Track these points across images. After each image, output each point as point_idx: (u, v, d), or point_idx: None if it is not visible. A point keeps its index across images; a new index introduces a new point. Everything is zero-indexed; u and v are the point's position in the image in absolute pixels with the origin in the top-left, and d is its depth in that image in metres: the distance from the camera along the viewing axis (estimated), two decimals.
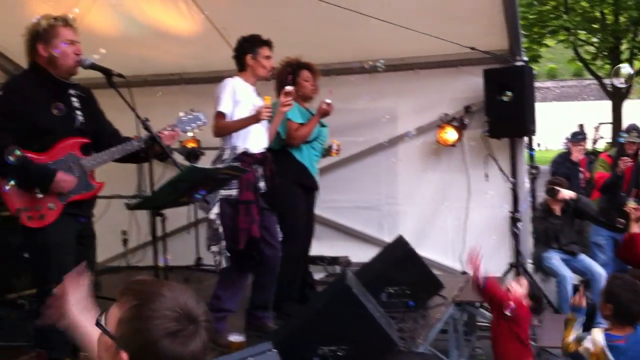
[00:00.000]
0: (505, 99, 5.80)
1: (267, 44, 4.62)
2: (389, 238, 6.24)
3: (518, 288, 4.38)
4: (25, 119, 3.46)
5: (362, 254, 6.38)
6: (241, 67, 4.61)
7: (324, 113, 5.00)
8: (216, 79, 5.82)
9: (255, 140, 4.46)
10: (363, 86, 6.24)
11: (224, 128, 4.40)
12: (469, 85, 6.31)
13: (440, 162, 6.51)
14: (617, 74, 5.20)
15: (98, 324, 1.65)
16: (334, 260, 6.51)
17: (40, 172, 3.46)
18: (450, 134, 6.31)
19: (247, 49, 4.59)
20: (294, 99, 4.79)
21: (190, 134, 4.18)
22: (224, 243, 4.27)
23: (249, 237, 4.28)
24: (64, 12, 3.74)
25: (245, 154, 4.38)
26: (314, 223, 5.34)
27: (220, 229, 4.27)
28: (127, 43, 5.22)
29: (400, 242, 5.06)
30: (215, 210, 4.30)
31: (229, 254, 4.26)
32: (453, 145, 6.34)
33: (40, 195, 3.46)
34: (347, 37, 5.94)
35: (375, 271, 4.79)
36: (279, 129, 4.94)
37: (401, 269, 4.77)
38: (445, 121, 6.34)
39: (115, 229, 6.83)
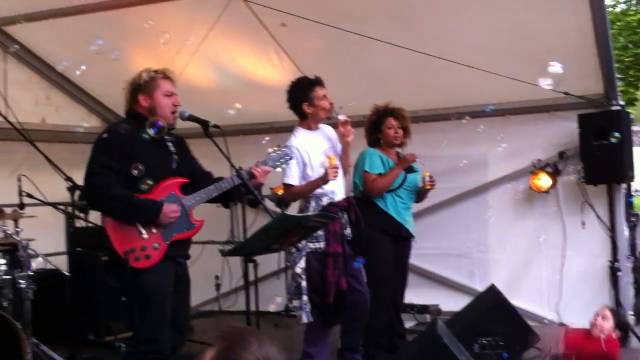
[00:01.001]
0: (613, 140, 5.57)
1: (318, 83, 4.55)
2: (480, 287, 6.11)
3: (604, 323, 4.22)
4: (128, 159, 3.62)
5: (452, 303, 6.27)
6: (301, 116, 4.57)
7: (408, 163, 4.96)
8: None
9: (337, 187, 4.49)
10: (452, 132, 6.20)
11: (295, 194, 4.47)
12: (563, 131, 6.15)
13: (533, 208, 6.33)
14: (546, 73, 4.62)
15: None
16: (423, 309, 6.42)
17: (149, 205, 3.60)
18: (544, 181, 6.16)
19: (301, 96, 4.52)
20: (378, 148, 4.81)
21: (279, 170, 4.26)
22: (305, 298, 4.28)
23: (338, 290, 4.30)
24: (163, 66, 3.94)
25: (331, 204, 4.42)
26: (407, 272, 5.27)
27: (303, 283, 4.29)
28: (222, 94, 5.42)
29: (493, 291, 4.94)
30: (302, 264, 4.33)
31: (308, 309, 4.28)
32: (547, 191, 6.17)
33: (145, 236, 3.60)
34: (435, 84, 5.95)
35: (466, 321, 4.69)
36: (356, 179, 4.96)
37: (494, 319, 4.65)
38: (539, 167, 6.19)
39: (208, 273, 6.99)
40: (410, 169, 5.12)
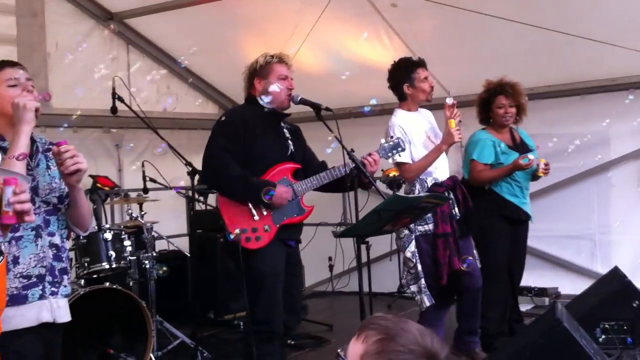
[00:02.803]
0: None
1: (421, 64, 4.46)
2: (602, 269, 5.87)
3: None
4: (245, 142, 3.73)
5: (571, 286, 6.09)
6: (400, 97, 4.51)
7: (520, 169, 4.64)
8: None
9: (440, 167, 4.42)
10: (572, 109, 5.97)
11: (415, 171, 4.36)
12: None
13: None
14: None
15: (339, 357, 1.68)
16: (541, 292, 6.25)
17: (263, 184, 3.69)
18: None
19: (402, 77, 4.45)
20: (488, 130, 4.67)
21: (391, 161, 4.26)
22: (423, 281, 4.26)
23: (451, 270, 4.25)
24: (277, 51, 4.02)
25: (436, 185, 4.36)
26: (524, 256, 5.11)
27: (419, 267, 4.26)
28: (333, 78, 5.46)
29: (616, 274, 4.72)
30: (412, 248, 4.31)
31: (429, 292, 4.25)
32: None
33: (256, 218, 3.71)
34: (554, 60, 5.73)
35: (588, 305, 4.51)
36: (462, 169, 4.83)
37: (617, 303, 4.44)
38: None
39: (321, 255, 7.09)
40: (525, 149, 4.87)
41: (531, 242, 5.61)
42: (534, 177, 4.93)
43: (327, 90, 5.17)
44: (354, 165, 3.71)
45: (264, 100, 3.77)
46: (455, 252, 4.28)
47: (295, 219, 3.83)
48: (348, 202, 6.76)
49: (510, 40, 5.53)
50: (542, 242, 6.35)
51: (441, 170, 4.45)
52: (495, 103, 4.83)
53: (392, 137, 4.04)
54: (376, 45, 6.06)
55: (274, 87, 3.78)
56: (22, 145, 2.48)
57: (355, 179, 3.72)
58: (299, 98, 3.82)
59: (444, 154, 4.44)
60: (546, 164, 4.77)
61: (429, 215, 4.21)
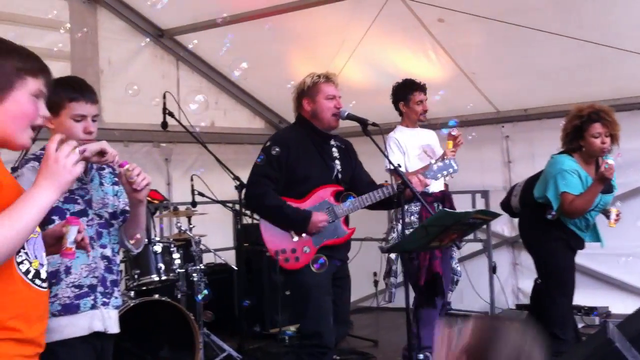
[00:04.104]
0: None
1: (420, 88, 4.81)
2: None
3: None
4: (287, 167, 3.79)
5: (622, 305, 5.93)
6: (399, 113, 4.91)
7: (607, 180, 4.24)
8: (465, 123, 5.89)
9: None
10: (622, 125, 5.83)
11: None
12: None
13: None
14: None
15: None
16: (591, 311, 6.12)
17: (298, 216, 3.74)
18: None
19: (399, 96, 4.87)
20: (575, 156, 4.37)
21: (440, 179, 4.26)
22: (393, 279, 4.79)
23: (431, 273, 4.54)
24: (322, 69, 4.05)
25: (425, 194, 4.36)
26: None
27: (394, 267, 4.77)
28: (379, 93, 5.47)
29: None
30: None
31: (394, 290, 4.78)
32: None
33: (295, 239, 3.74)
34: (603, 75, 5.64)
35: None
36: (550, 196, 4.39)
37: None
38: None
39: (366, 270, 7.06)
40: (607, 189, 4.43)
41: (581, 260, 5.50)
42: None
43: (374, 105, 5.18)
44: (397, 184, 3.72)
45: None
46: (438, 257, 4.60)
47: (335, 241, 3.85)
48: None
49: (559, 55, 5.46)
50: (593, 261, 6.22)
51: (433, 182, 4.37)
52: (589, 131, 4.31)
53: (443, 158, 4.10)
54: (422, 60, 6.05)
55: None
56: None
57: (401, 194, 3.72)
58: (346, 113, 3.84)
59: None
60: (618, 214, 4.46)
61: (414, 219, 4.60)
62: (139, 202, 2.71)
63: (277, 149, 3.81)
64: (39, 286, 1.92)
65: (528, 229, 4.76)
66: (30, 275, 1.89)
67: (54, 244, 2.19)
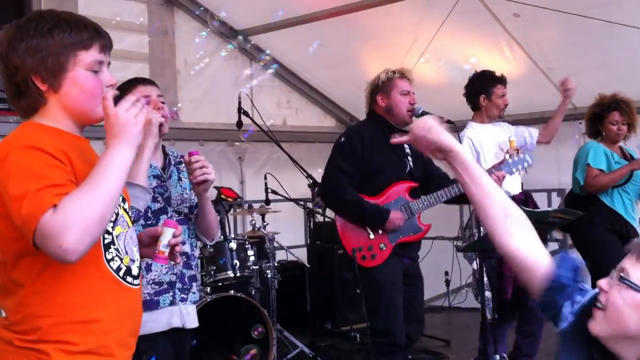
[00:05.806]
0: None
1: (502, 81, 4.49)
2: None
3: None
4: (363, 162, 3.78)
5: None
6: (474, 107, 4.54)
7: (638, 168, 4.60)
8: (540, 119, 5.75)
9: (510, 181, 4.28)
10: None
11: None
12: None
13: None
14: None
15: (623, 280, 1.65)
16: None
17: (377, 212, 3.73)
18: None
19: (480, 88, 4.49)
20: (599, 141, 4.63)
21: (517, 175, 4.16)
22: (488, 294, 4.15)
23: (516, 285, 4.13)
24: (395, 66, 4.03)
25: None
26: None
27: (485, 279, 4.15)
28: (453, 90, 5.41)
29: None
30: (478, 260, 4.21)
31: (491, 305, 4.13)
32: None
33: (372, 237, 3.74)
34: None
35: None
36: (577, 174, 4.69)
37: None
38: None
39: (438, 269, 7.00)
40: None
41: None
42: None
43: (447, 102, 5.12)
44: None
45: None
46: None
47: (411, 238, 3.83)
48: (466, 214, 6.67)
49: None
50: None
51: (511, 184, 4.33)
52: (608, 118, 4.75)
53: (518, 151, 3.97)
54: (496, 56, 5.94)
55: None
56: (145, 159, 2.50)
57: None
58: (421, 110, 3.82)
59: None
60: None
61: None
62: (198, 195, 2.76)
63: (351, 144, 3.82)
64: (130, 283, 1.85)
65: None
66: (121, 273, 1.83)
67: (149, 244, 2.09)
